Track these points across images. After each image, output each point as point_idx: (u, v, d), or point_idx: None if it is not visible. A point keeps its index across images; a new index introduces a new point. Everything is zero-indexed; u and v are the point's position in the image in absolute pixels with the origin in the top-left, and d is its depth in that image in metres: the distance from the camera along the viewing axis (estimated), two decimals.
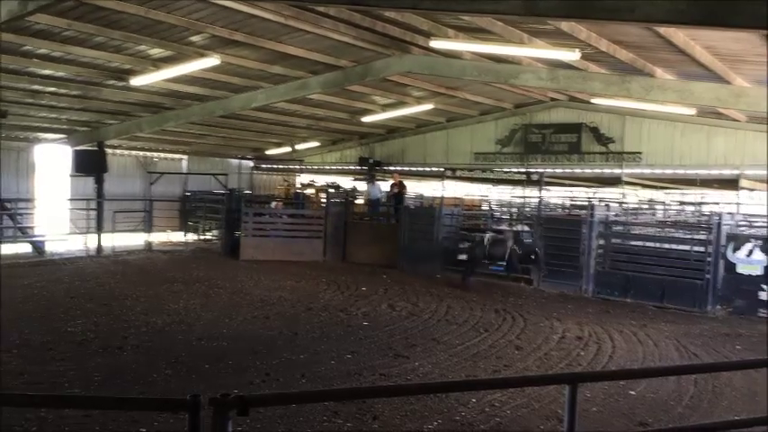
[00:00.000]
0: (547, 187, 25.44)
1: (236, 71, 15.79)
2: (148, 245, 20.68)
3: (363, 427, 6.44)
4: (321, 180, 30.15)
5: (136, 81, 15.20)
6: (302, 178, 30.23)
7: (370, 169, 27.08)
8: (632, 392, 7.69)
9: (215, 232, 22.96)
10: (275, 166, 31.09)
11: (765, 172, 20.55)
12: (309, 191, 27.29)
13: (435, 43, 12.84)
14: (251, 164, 30.91)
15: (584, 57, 12.91)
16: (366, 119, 23.25)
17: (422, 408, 6.87)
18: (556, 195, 29.30)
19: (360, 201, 23.81)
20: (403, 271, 17.33)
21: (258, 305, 12.39)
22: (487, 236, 15.89)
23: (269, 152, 30.16)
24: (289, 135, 27.34)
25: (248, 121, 23.03)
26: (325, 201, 21.64)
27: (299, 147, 29.26)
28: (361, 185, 26.80)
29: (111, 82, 15.93)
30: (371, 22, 12.62)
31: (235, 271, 16.38)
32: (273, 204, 21.58)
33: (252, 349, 9.18)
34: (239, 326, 10.75)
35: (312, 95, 18.43)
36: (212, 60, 13.90)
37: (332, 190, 24.93)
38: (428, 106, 21.83)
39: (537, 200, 21.55)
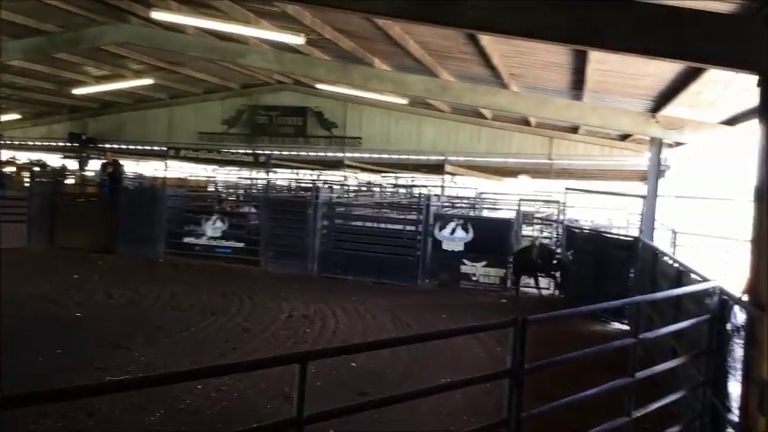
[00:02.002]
0: (274, 169, 25.73)
1: None
2: None
3: (77, 425, 5.91)
4: (24, 157, 26.95)
5: None
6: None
7: (83, 147, 24.88)
8: (353, 364, 8.12)
9: None
10: None
11: (466, 158, 23.13)
12: (9, 169, 24.19)
13: (156, 14, 12.15)
14: None
15: (309, 42, 13.20)
16: (77, 91, 21.25)
17: (143, 399, 6.49)
18: (283, 177, 29.72)
19: (71, 180, 21.74)
20: (122, 256, 16.24)
21: None
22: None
23: None
24: None
25: None
26: (28, 180, 19.34)
27: None
28: (72, 164, 24.51)
29: None
30: None
31: None
32: None
33: None
34: None
35: (11, 62, 16.31)
36: None
37: (37, 168, 22.38)
38: (148, 81, 20.66)
39: (264, 182, 21.66)
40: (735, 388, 4.71)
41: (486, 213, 21.36)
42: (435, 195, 19.79)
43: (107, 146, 25.09)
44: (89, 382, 7.00)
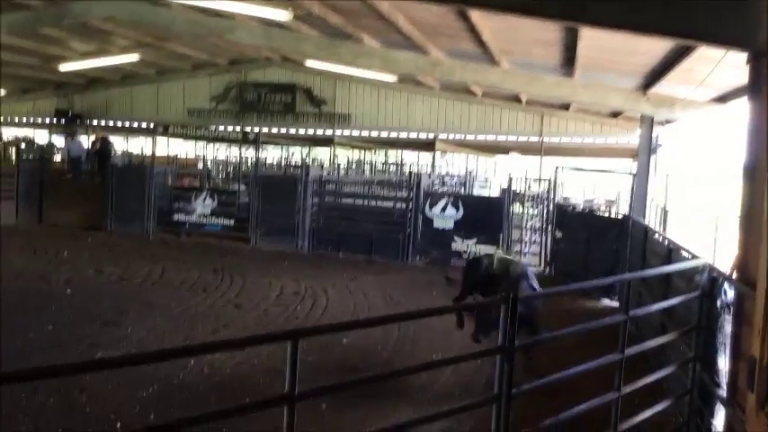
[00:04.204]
0: (263, 146, 25.60)
1: None
2: None
3: (69, 401, 5.91)
4: (10, 133, 26.69)
5: None
6: None
7: (69, 123, 24.62)
8: (344, 341, 8.15)
9: None
10: None
11: (456, 136, 23.09)
12: None
13: None
14: None
15: (296, 18, 13.05)
16: (63, 66, 20.96)
17: (136, 375, 6.49)
18: (272, 155, 29.61)
19: (58, 158, 21.54)
20: (111, 233, 16.17)
21: None
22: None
23: None
24: None
25: None
26: (16, 157, 19.16)
27: None
28: (60, 141, 24.28)
29: None
30: None
31: None
32: None
33: None
34: None
35: None
36: None
37: (24, 145, 22.16)
38: (134, 57, 20.40)
39: (253, 159, 21.55)
40: (724, 364, 4.76)
41: (476, 191, 21.40)
42: (426, 173, 19.76)
43: (94, 122, 24.87)
44: (81, 358, 7.02)
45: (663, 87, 11.18)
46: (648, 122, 12.70)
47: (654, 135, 13.50)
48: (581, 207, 15.23)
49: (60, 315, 8.78)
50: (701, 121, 12.86)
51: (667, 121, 14.64)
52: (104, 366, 3.99)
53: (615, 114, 19.87)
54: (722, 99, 11.02)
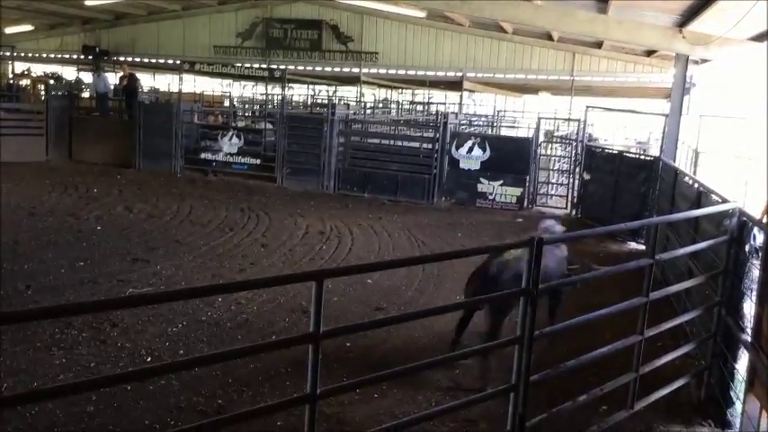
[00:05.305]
0: (290, 85, 25.43)
1: None
2: None
3: (101, 335, 6.09)
4: (39, 69, 26.80)
5: None
6: (14, 67, 26.48)
7: (96, 59, 24.62)
8: (369, 281, 8.23)
9: None
10: None
11: (485, 75, 22.67)
12: (25, 82, 24.09)
13: None
14: None
15: None
16: (89, 2, 20.82)
17: (165, 311, 6.67)
18: (298, 93, 29.42)
19: (86, 94, 21.62)
20: (139, 170, 16.33)
21: None
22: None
23: None
24: None
25: None
26: (44, 93, 19.26)
27: (8, 30, 25.47)
28: (88, 77, 24.34)
29: None
30: None
31: None
32: None
33: None
34: None
35: None
36: None
37: (53, 81, 22.25)
38: None
39: (280, 97, 21.43)
40: (749, 308, 4.72)
41: (504, 131, 21.13)
42: (453, 113, 19.50)
43: (121, 59, 24.85)
44: (112, 293, 7.21)
45: (699, 25, 10.80)
46: (683, 61, 12.32)
47: (688, 74, 13.13)
48: (614, 149, 14.91)
49: (91, 251, 8.96)
50: (737, 60, 12.42)
51: (703, 60, 14.21)
52: (137, 303, 4.09)
53: (649, 53, 19.30)
54: (760, 37, 10.63)
